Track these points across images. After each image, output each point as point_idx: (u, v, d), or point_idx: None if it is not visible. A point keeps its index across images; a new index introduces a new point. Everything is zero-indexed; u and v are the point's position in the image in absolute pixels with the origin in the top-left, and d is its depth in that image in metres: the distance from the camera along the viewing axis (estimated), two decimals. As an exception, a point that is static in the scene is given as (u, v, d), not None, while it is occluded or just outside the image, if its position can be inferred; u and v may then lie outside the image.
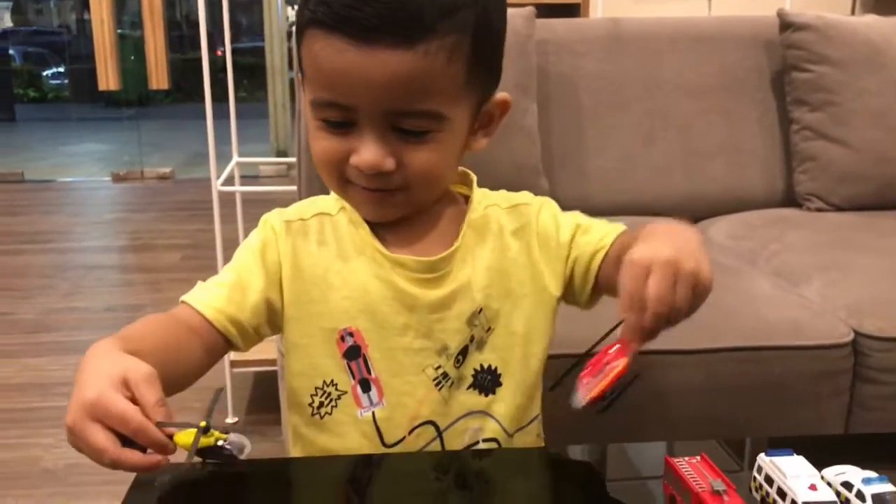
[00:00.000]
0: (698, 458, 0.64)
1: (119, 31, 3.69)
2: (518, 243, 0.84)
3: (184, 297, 0.78)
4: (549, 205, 0.88)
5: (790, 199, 1.81)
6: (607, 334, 0.63)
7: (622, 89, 1.82)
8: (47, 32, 10.97)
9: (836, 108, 1.72)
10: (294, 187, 1.82)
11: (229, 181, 2.15)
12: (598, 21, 1.99)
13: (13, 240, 3.79)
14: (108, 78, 3.47)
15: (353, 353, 0.79)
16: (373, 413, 0.79)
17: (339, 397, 0.79)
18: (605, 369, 0.62)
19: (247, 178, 2.29)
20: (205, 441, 0.60)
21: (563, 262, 0.85)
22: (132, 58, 5.53)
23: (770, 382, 1.22)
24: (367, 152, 0.72)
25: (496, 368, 0.82)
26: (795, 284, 1.42)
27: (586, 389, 0.62)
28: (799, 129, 1.77)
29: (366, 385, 0.79)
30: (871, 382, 1.26)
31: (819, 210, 1.75)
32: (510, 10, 1.80)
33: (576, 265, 0.85)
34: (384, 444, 0.79)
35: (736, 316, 1.26)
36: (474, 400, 0.81)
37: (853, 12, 2.49)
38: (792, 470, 0.61)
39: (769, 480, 0.62)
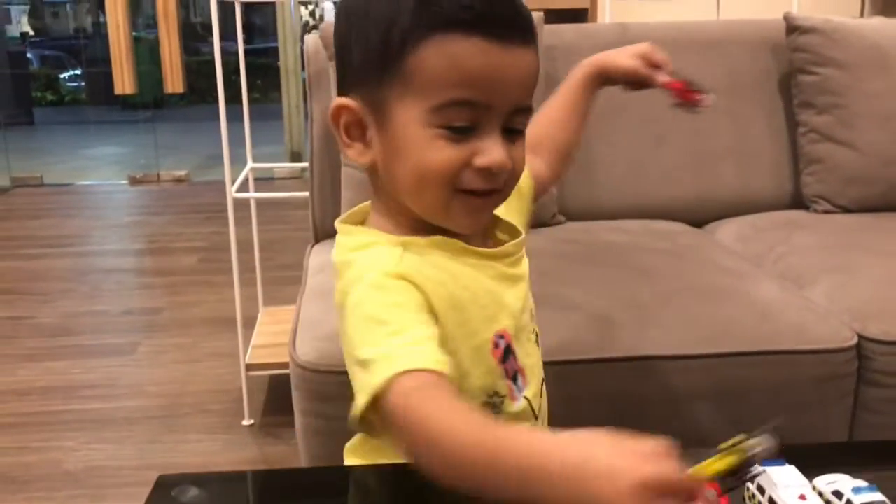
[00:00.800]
0: (693, 467, 0.66)
1: (133, 33, 3.73)
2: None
3: (409, 367, 0.66)
4: None
5: (798, 201, 1.82)
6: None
7: (630, 94, 1.84)
8: (64, 37, 11.05)
9: (842, 110, 1.74)
10: (307, 192, 1.85)
11: (244, 186, 2.18)
12: (606, 26, 2.01)
13: (35, 243, 3.86)
14: (124, 82, 3.53)
15: (507, 354, 0.81)
16: (524, 396, 0.83)
17: (501, 402, 0.81)
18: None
19: (261, 181, 2.33)
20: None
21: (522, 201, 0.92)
22: (147, 60, 5.59)
23: (775, 386, 1.24)
24: (497, 151, 0.73)
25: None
26: (801, 287, 1.44)
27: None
28: (806, 131, 1.79)
29: (514, 377, 0.82)
30: (875, 385, 1.28)
31: (826, 212, 1.77)
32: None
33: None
34: (535, 417, 0.84)
35: (741, 320, 1.28)
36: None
37: (862, 14, 2.49)
38: (783, 480, 0.63)
39: (761, 490, 0.65)
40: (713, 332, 1.25)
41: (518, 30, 0.73)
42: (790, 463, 0.66)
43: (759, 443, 0.55)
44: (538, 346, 0.87)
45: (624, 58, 0.96)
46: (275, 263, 2.93)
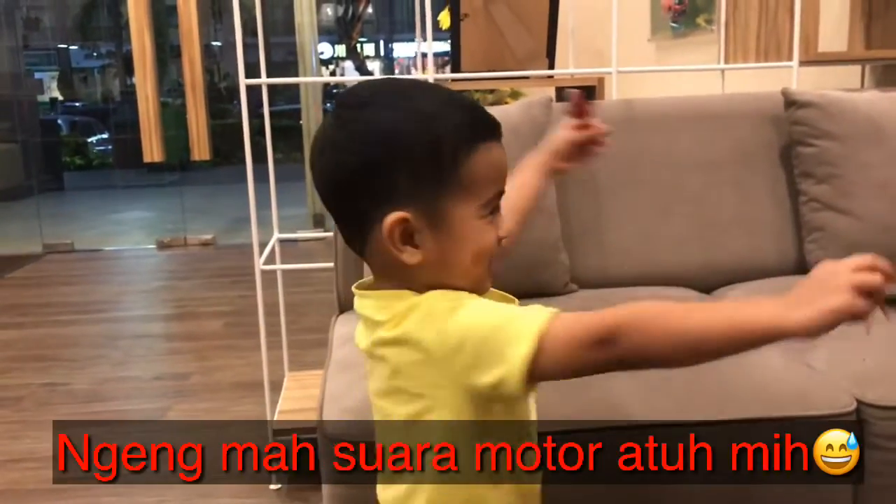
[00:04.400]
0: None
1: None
2: None
3: (553, 311, 0.85)
4: None
5: (802, 268, 1.89)
6: None
7: (637, 166, 1.93)
8: (92, 102, 11.34)
9: (839, 180, 1.81)
10: (331, 263, 1.95)
11: (271, 255, 2.28)
12: (612, 103, 2.10)
13: (67, 310, 3.99)
14: (152, 150, 3.67)
15: None
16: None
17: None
18: None
19: (285, 243, 2.43)
20: None
21: None
22: (173, 125, 5.77)
23: (776, 451, 1.30)
24: (504, 222, 0.95)
25: None
26: (804, 353, 1.50)
27: None
28: (807, 200, 1.87)
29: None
30: (876, 449, 1.33)
31: (829, 277, 1.83)
32: (527, 99, 1.93)
33: None
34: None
35: (741, 387, 1.35)
36: None
37: (862, 85, 2.58)
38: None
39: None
40: (715, 399, 1.32)
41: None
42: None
43: None
44: None
45: (556, 141, 1.17)
46: (298, 327, 3.02)
